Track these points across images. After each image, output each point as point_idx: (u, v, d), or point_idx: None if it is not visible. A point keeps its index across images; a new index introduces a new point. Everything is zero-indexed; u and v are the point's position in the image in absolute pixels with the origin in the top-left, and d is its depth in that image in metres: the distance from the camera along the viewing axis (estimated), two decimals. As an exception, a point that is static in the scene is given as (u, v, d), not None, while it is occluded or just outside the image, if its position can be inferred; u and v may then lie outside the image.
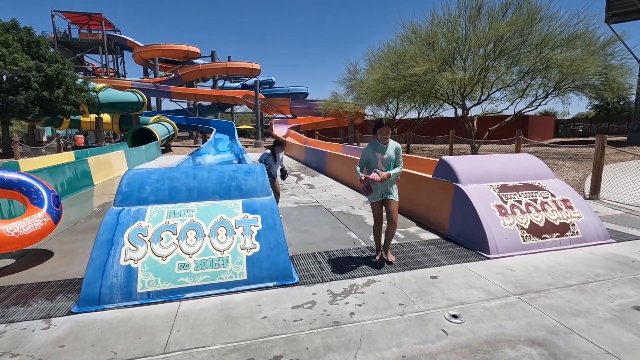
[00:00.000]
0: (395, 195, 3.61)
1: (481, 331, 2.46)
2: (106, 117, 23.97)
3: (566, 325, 2.52)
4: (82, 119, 24.09)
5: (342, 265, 3.69)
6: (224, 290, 3.09)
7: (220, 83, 41.93)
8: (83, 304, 2.84)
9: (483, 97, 14.40)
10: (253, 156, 17.43)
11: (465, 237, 4.29)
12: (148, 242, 3.16)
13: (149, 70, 42.14)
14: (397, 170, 3.57)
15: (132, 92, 22.56)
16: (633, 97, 20.65)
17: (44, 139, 28.34)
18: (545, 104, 16.38)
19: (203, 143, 25.15)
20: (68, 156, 11.96)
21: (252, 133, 42.59)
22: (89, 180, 9.25)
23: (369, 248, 4.22)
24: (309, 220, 5.60)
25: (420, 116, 21.40)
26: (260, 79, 39.64)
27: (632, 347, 2.26)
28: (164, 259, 3.10)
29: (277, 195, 5.80)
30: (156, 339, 2.40)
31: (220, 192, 3.73)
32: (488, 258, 3.81)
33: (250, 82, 40.17)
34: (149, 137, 19.61)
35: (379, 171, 3.47)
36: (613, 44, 12.70)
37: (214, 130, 24.16)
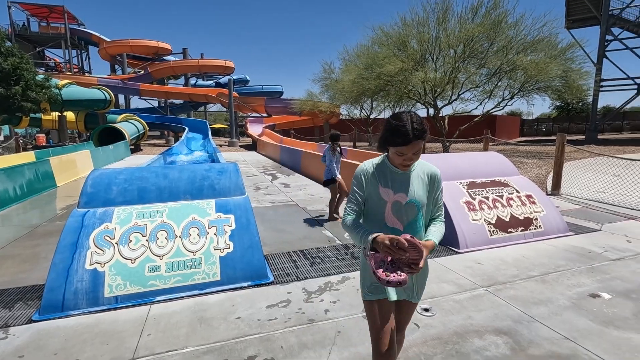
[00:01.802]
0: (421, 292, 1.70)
1: (451, 323, 2.55)
2: (70, 115, 22.80)
3: (529, 314, 2.65)
4: (43, 117, 22.76)
5: (317, 263, 3.71)
6: (197, 292, 3.02)
7: (192, 81, 40.91)
8: (45, 311, 2.70)
9: (453, 97, 14.87)
10: (227, 155, 17.13)
11: (436, 232, 4.41)
12: (115, 245, 3.04)
13: (117, 66, 40.46)
14: (441, 230, 1.60)
15: (98, 89, 21.58)
16: (591, 99, 21.98)
17: (1, 138, 26.62)
18: (511, 104, 17.15)
19: (175, 142, 24.45)
20: (28, 156, 11.30)
21: (227, 132, 41.87)
22: (51, 181, 8.77)
23: (344, 246, 4.26)
24: (284, 219, 5.58)
25: (394, 115, 21.77)
26: (234, 77, 38.98)
27: (588, 332, 2.41)
28: (132, 261, 3.00)
29: (345, 194, 5.42)
30: (125, 344, 2.32)
31: (192, 192, 3.65)
32: (458, 252, 3.94)
33: (223, 80, 39.45)
34: (117, 136, 18.84)
35: (415, 239, 1.34)
36: (572, 49, 13.47)
37: (187, 129, 23.57)
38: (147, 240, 3.12)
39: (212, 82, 42.92)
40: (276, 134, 24.78)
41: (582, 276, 3.31)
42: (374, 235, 1.42)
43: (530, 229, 4.38)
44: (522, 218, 4.44)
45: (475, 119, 15.26)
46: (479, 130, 14.58)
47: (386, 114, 23.63)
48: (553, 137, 7.29)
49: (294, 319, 2.63)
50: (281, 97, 35.90)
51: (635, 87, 21.19)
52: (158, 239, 3.16)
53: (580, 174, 8.18)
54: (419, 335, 2.40)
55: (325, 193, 7.78)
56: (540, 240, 4.31)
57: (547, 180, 8.05)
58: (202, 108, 42.21)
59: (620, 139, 23.90)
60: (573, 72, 13.32)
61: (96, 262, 2.93)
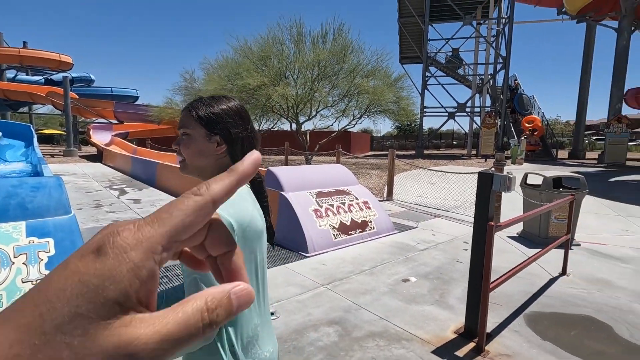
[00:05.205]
0: None
1: (292, 322, 2.76)
2: None
3: (357, 303, 3.11)
4: None
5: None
6: (-7, 338, 2.42)
7: (10, 74, 32.69)
8: None
9: (313, 114, 16.18)
10: (61, 167, 14.23)
11: (289, 240, 4.70)
12: None
13: None
14: None
15: None
16: (418, 122, 27.25)
17: None
18: (361, 122, 19.75)
19: (-20, 151, 18.88)
20: None
21: (63, 139, 34.80)
22: None
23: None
24: (130, 238, 5.00)
25: (260, 128, 22.22)
26: (74, 74, 32.98)
27: (397, 311, 2.98)
28: None
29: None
30: None
31: (-10, 214, 2.93)
32: (307, 257, 4.29)
33: (57, 77, 32.80)
34: None
35: None
36: (402, 79, 16.51)
37: (0, 134, 18.56)
38: None
39: (41, 78, 35.10)
40: (129, 144, 22.00)
41: (400, 265, 4.06)
42: None
43: (366, 230, 5.13)
44: (360, 221, 5.16)
45: (333, 135, 16.95)
46: (336, 145, 16.24)
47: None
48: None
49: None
50: (136, 103, 32.10)
51: (446, 114, 27.30)
52: None
53: (409, 183, 10.02)
54: (262, 339, 2.52)
55: (182, 207, 7.31)
56: (373, 239, 5.09)
57: (385, 188, 9.55)
58: (26, 109, 34.02)
59: (439, 154, 30.27)
60: (403, 99, 16.32)
61: None
